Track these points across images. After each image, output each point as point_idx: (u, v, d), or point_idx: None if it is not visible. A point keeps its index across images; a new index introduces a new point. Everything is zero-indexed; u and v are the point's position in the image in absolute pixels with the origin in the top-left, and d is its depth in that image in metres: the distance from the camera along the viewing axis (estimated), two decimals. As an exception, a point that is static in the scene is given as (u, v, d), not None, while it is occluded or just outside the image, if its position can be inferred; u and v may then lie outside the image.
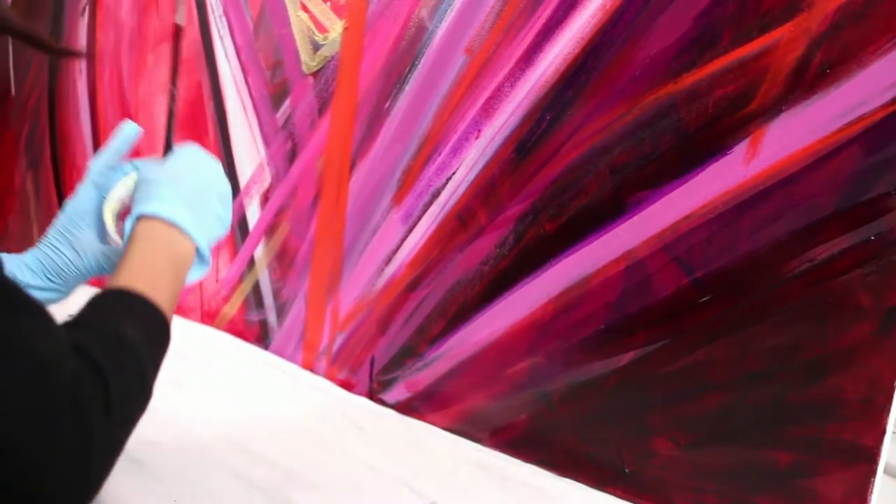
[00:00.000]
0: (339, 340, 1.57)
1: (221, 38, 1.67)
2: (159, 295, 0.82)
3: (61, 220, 1.01)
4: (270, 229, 1.61)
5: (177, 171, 0.93)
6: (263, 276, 1.66)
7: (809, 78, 0.93)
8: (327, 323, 1.59)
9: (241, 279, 1.70)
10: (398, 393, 1.47)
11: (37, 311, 0.64)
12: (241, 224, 1.67)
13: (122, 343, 0.75)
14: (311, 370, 1.64)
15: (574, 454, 1.23)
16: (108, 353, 0.71)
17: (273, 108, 1.57)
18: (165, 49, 1.85)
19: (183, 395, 1.50)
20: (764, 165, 0.98)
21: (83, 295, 0.96)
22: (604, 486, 1.20)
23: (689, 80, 1.02)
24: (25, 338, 0.61)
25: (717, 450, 1.08)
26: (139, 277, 0.83)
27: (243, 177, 1.65)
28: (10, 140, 2.43)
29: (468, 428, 1.37)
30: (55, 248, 0.99)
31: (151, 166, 0.96)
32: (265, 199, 1.61)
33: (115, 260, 0.99)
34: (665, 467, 1.13)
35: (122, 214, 1.02)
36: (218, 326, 1.84)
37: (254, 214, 1.64)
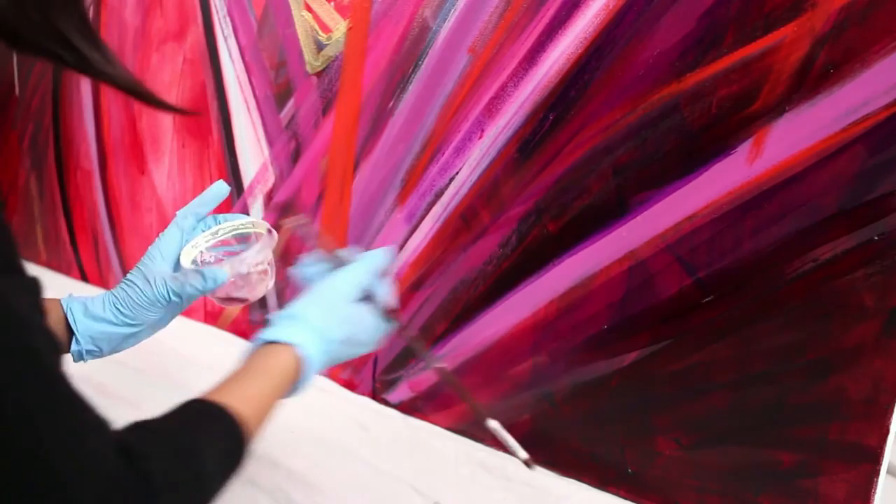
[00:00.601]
0: (342, 340, 1.57)
1: (226, 38, 1.67)
2: (254, 425, 0.78)
3: (142, 259, 1.03)
4: (274, 229, 1.61)
5: (344, 316, 0.91)
6: (267, 275, 1.66)
7: (813, 78, 0.93)
8: (330, 323, 1.59)
9: (244, 279, 1.70)
10: (401, 393, 1.47)
11: (80, 404, 0.59)
12: (244, 224, 1.67)
13: (193, 465, 0.69)
14: (315, 370, 1.64)
15: (577, 454, 1.23)
16: (168, 469, 0.65)
17: (277, 108, 1.57)
18: (169, 49, 1.85)
19: (185, 396, 1.50)
20: (767, 165, 0.98)
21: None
22: (607, 486, 1.20)
23: (693, 79, 1.02)
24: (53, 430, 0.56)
25: (721, 450, 1.08)
26: (249, 403, 0.79)
27: (247, 176, 1.65)
28: (13, 140, 2.44)
29: (471, 428, 1.37)
30: (130, 281, 1.01)
31: (323, 292, 0.93)
32: (269, 198, 1.62)
33: (181, 284, 1.00)
34: (668, 467, 1.13)
35: (200, 262, 1.06)
36: (221, 327, 1.84)
37: (257, 214, 1.64)
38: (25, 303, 0.57)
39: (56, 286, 1.83)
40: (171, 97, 1.81)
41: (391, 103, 1.36)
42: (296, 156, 1.55)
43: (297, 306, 0.90)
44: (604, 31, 1.08)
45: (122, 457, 0.60)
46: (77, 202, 2.22)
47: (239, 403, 0.77)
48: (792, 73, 0.95)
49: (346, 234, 1.48)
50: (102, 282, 2.15)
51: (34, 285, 0.61)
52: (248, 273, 1.06)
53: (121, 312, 0.99)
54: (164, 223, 1.79)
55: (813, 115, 0.94)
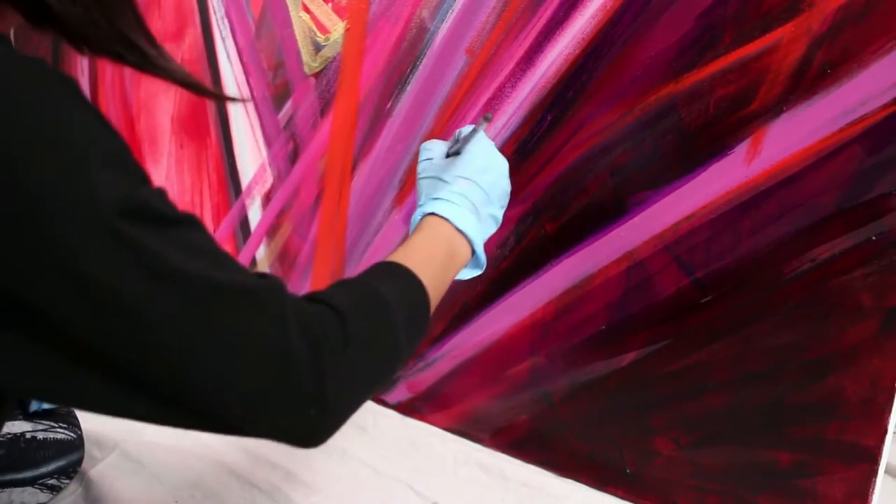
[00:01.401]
0: (340, 341, 1.57)
1: (223, 39, 1.67)
2: (426, 276, 0.85)
3: None
4: (272, 230, 1.61)
5: (469, 174, 0.99)
6: (265, 276, 1.66)
7: (810, 78, 0.93)
8: (329, 324, 1.59)
9: (242, 280, 1.70)
10: (399, 393, 1.47)
11: (237, 266, 0.65)
12: (242, 225, 1.67)
13: (372, 296, 0.76)
14: (313, 371, 1.64)
15: (575, 454, 1.23)
16: (350, 300, 0.72)
17: (275, 109, 1.57)
18: (167, 50, 1.85)
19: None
20: (765, 165, 0.98)
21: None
22: (605, 487, 1.20)
23: (690, 80, 1.02)
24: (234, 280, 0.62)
25: (719, 450, 1.08)
26: (412, 258, 0.86)
27: (245, 177, 1.65)
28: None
29: (469, 428, 1.37)
30: None
31: (446, 163, 1.02)
32: (267, 199, 1.62)
33: None
34: (666, 467, 1.13)
35: None
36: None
37: (255, 215, 1.64)
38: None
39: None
40: (169, 98, 1.81)
41: (389, 104, 1.36)
42: (294, 156, 1.55)
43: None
44: (601, 32, 1.08)
45: (310, 299, 0.70)
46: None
47: (407, 260, 0.86)
48: (789, 73, 0.95)
49: (345, 235, 1.48)
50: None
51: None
52: None
53: None
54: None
55: (810, 116, 0.94)
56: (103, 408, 0.60)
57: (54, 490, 1.14)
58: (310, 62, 1.48)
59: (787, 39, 0.94)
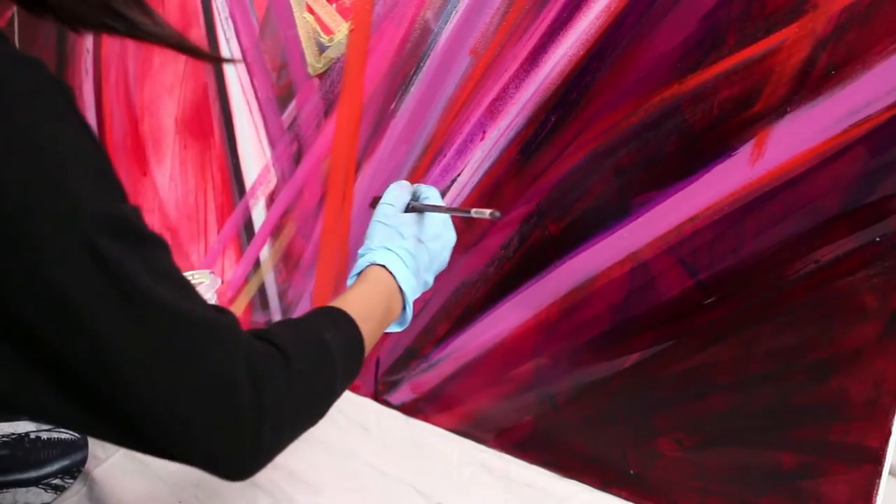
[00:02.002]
0: (344, 342, 1.57)
1: (227, 40, 1.67)
2: (365, 328, 0.90)
3: None
4: (276, 230, 1.61)
5: (425, 238, 1.07)
6: (269, 277, 1.66)
7: (814, 79, 0.93)
8: (332, 324, 1.59)
9: (246, 280, 1.71)
10: (403, 394, 1.48)
11: (198, 296, 0.67)
12: (246, 225, 1.67)
13: (316, 342, 0.80)
14: (317, 371, 1.64)
15: (579, 455, 1.23)
16: (295, 342, 0.76)
17: (279, 110, 1.57)
18: (171, 52, 1.85)
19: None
20: (769, 167, 0.98)
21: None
22: (608, 488, 1.20)
23: (694, 81, 1.02)
24: (193, 313, 0.64)
25: (722, 451, 1.08)
26: (354, 307, 0.91)
27: (249, 178, 1.65)
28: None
29: (473, 429, 1.37)
30: None
31: (407, 219, 1.08)
32: (271, 200, 1.62)
33: None
34: (670, 468, 1.13)
35: None
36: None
37: (259, 216, 1.64)
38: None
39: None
40: (174, 99, 1.81)
41: (393, 105, 1.36)
42: (298, 157, 1.55)
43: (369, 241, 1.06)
44: (605, 33, 1.08)
45: (257, 336, 0.73)
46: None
47: (351, 309, 0.90)
48: (793, 74, 0.95)
49: (348, 236, 1.48)
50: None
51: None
52: None
53: None
54: (166, 225, 1.79)
55: (814, 117, 0.94)
56: (54, 419, 0.65)
57: (58, 490, 1.14)
58: (314, 63, 1.48)
59: (792, 41, 0.94)
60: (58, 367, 0.58)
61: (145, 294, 0.59)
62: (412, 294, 1.03)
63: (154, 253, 0.63)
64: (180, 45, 0.76)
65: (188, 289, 0.65)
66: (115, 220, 0.58)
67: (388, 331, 1.03)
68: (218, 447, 0.65)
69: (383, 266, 1.00)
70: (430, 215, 1.09)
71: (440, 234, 1.08)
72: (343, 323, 0.87)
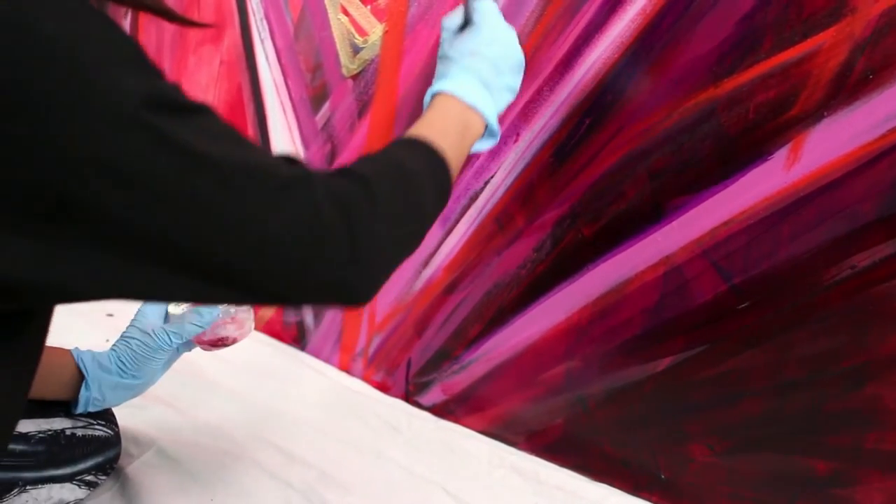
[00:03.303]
0: (375, 342, 1.58)
1: (262, 41, 1.68)
2: (443, 144, 0.89)
3: (134, 317, 1.18)
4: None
5: (474, 48, 1.00)
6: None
7: (852, 83, 0.93)
8: (364, 325, 1.59)
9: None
10: (434, 395, 1.48)
11: (260, 147, 0.71)
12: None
13: (395, 163, 0.81)
14: (348, 372, 1.65)
15: (610, 459, 1.23)
16: (374, 169, 0.77)
17: (313, 111, 1.58)
18: (206, 51, 1.86)
19: (219, 396, 1.51)
20: (805, 171, 0.97)
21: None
22: (639, 492, 1.20)
23: (730, 85, 1.01)
24: (261, 157, 0.66)
25: (754, 457, 1.08)
26: (426, 132, 0.90)
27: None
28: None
29: (504, 431, 1.37)
30: (129, 337, 1.15)
31: (455, 39, 1.04)
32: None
33: (180, 325, 1.16)
34: (701, 474, 1.13)
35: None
36: (255, 327, 1.85)
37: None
38: None
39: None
40: (208, 98, 1.82)
41: (427, 106, 1.36)
42: (331, 158, 1.56)
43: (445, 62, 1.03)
44: (641, 36, 1.08)
45: (340, 172, 0.75)
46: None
47: (421, 133, 0.90)
48: (830, 78, 0.94)
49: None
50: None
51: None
52: (236, 311, 1.20)
53: (125, 365, 1.13)
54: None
55: (851, 122, 0.93)
56: (150, 295, 0.65)
57: (91, 486, 1.15)
58: (348, 64, 1.49)
59: (829, 44, 0.93)
60: (157, 248, 0.60)
61: (205, 154, 0.61)
62: (489, 106, 0.99)
63: (203, 119, 0.64)
64: (163, 12, 0.77)
65: (247, 143, 0.67)
66: (158, 97, 0.59)
67: (481, 147, 1.02)
68: (324, 279, 0.68)
69: (442, 92, 0.98)
70: (475, 22, 1.03)
71: (493, 38, 1.02)
72: (417, 144, 0.87)
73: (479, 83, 0.99)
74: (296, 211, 0.66)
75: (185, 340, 1.16)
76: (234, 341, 1.22)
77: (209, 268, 0.63)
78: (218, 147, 0.62)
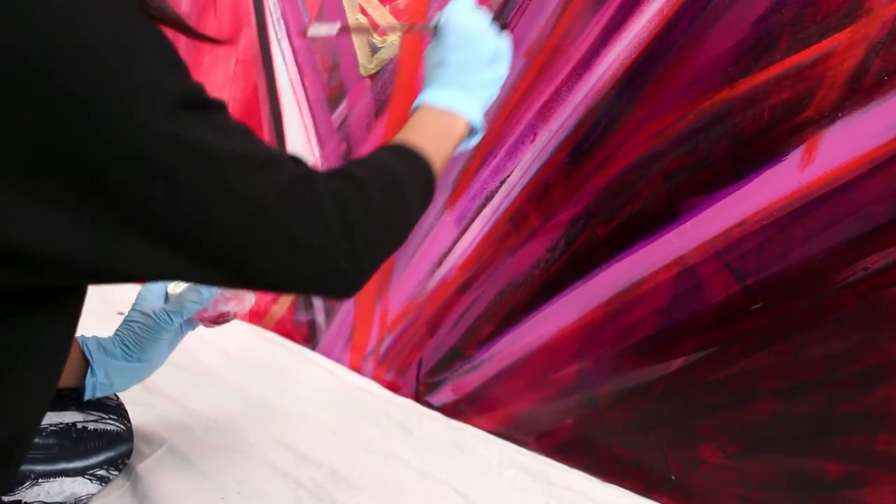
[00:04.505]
0: (387, 342, 1.58)
1: (279, 40, 1.69)
2: (427, 148, 0.94)
3: (135, 301, 1.21)
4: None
5: (440, 58, 1.03)
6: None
7: (867, 85, 0.93)
8: (376, 324, 1.60)
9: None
10: (445, 395, 1.48)
11: (265, 143, 0.74)
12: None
13: (383, 166, 0.87)
14: (359, 371, 1.65)
15: (620, 460, 1.23)
16: (366, 170, 0.83)
17: (329, 110, 1.58)
18: (222, 50, 1.87)
19: (230, 395, 1.51)
20: (819, 172, 0.97)
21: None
22: (650, 493, 1.20)
23: (745, 85, 1.02)
24: (268, 153, 0.71)
25: (765, 458, 1.08)
26: (404, 137, 0.95)
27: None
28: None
29: (514, 432, 1.37)
30: (131, 320, 1.19)
31: (427, 54, 1.07)
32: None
33: (179, 303, 1.19)
34: (712, 475, 1.13)
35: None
36: (266, 326, 1.86)
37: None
38: None
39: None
40: (224, 98, 1.83)
41: (443, 107, 1.36)
42: (347, 157, 1.57)
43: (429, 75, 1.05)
44: (657, 37, 1.09)
45: (334, 173, 0.80)
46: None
47: (403, 139, 0.95)
48: (845, 79, 0.94)
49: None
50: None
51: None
52: None
53: (129, 348, 1.16)
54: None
55: (866, 123, 0.93)
56: (162, 276, 0.69)
57: (103, 481, 1.15)
58: (366, 64, 1.49)
59: (844, 46, 0.94)
60: (167, 229, 0.64)
61: (230, 151, 0.66)
62: (468, 104, 1.01)
63: (222, 115, 0.69)
64: (178, 25, 0.79)
65: (258, 138, 0.72)
66: (188, 93, 0.64)
67: (470, 143, 1.05)
68: (322, 264, 0.73)
69: (420, 106, 1.02)
70: (443, 31, 1.04)
71: (459, 43, 1.03)
72: (401, 149, 0.92)
73: (454, 88, 1.01)
74: (303, 205, 0.71)
75: (185, 318, 1.20)
76: (235, 316, 1.24)
77: (220, 253, 0.68)
78: (236, 143, 0.68)
